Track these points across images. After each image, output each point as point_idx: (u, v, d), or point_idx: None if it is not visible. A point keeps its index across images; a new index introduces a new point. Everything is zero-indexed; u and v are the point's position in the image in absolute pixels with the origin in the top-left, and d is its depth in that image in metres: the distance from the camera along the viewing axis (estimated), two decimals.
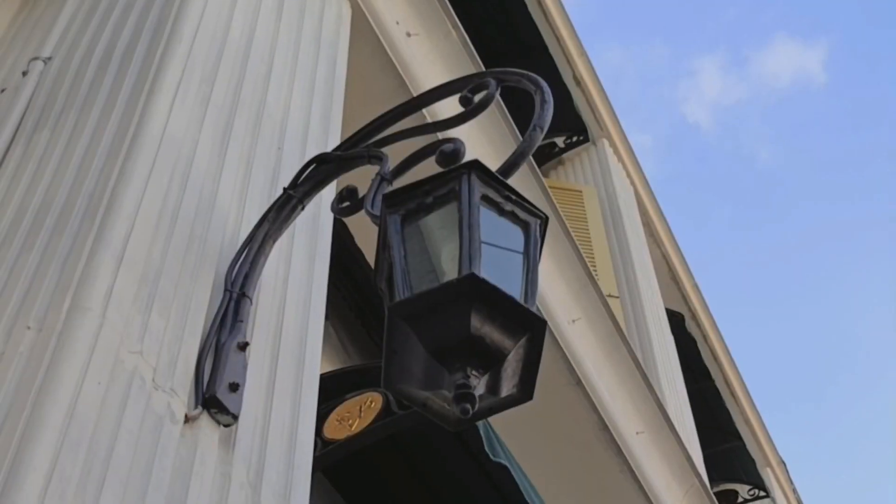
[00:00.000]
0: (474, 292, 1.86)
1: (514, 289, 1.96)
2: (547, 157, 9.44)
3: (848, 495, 29.77)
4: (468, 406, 1.82)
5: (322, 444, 3.69)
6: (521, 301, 1.93)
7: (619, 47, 33.59)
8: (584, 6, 29.01)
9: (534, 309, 1.94)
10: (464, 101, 2.55)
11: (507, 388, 1.93)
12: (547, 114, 2.39)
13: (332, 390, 3.81)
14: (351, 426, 3.74)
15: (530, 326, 1.91)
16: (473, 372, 1.85)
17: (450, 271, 1.95)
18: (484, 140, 5.07)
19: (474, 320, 1.85)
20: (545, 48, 8.65)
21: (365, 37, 4.44)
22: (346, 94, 3.98)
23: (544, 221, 2.14)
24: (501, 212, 2.09)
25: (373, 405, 3.75)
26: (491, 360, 1.88)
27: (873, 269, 31.33)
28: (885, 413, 30.49)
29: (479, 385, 1.87)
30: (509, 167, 2.28)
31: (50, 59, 3.25)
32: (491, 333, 1.87)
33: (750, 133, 33.88)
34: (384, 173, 2.42)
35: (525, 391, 1.96)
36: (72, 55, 3.20)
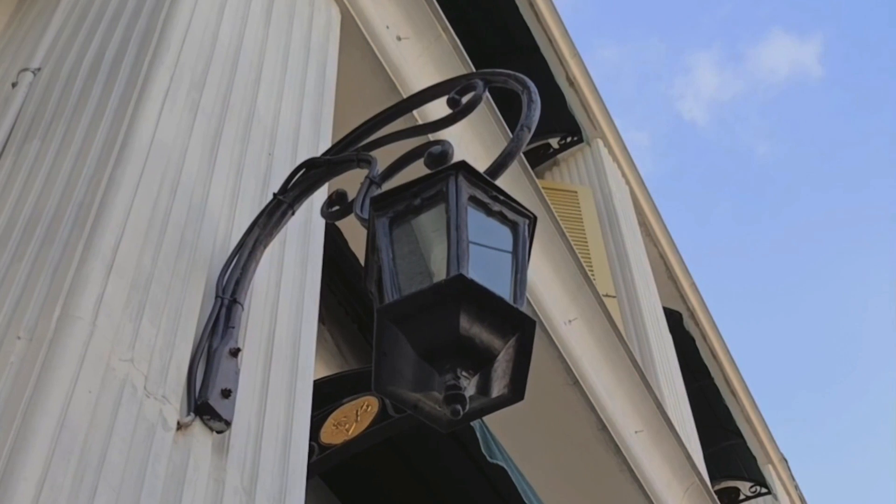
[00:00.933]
0: (462, 293, 1.86)
1: (502, 289, 1.96)
2: (542, 158, 9.45)
3: (850, 489, 29.80)
4: (458, 407, 1.82)
5: (319, 449, 3.68)
6: (510, 301, 1.93)
7: (614, 45, 33.64)
8: (579, 4, 29.04)
9: (523, 308, 1.94)
10: (452, 103, 2.55)
11: (497, 388, 1.93)
12: (534, 113, 2.39)
13: (329, 395, 3.81)
14: (348, 430, 3.73)
15: (520, 326, 1.91)
16: (463, 373, 1.85)
17: (438, 272, 1.95)
18: (476, 141, 5.07)
19: (463, 321, 1.85)
20: (537, 49, 8.66)
21: (355, 41, 4.44)
22: (337, 98, 3.99)
23: (532, 221, 2.14)
24: (489, 212, 2.10)
25: (369, 409, 3.74)
26: (481, 361, 1.88)
27: (872, 260, 31.38)
28: (887, 406, 30.50)
29: (470, 386, 1.87)
30: (497, 168, 2.29)
31: (39, 69, 3.26)
32: (480, 334, 1.87)
33: (747, 128, 33.91)
34: (373, 176, 2.42)
35: (516, 391, 1.96)
36: (61, 65, 3.20)
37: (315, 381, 3.23)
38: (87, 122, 2.80)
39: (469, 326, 1.86)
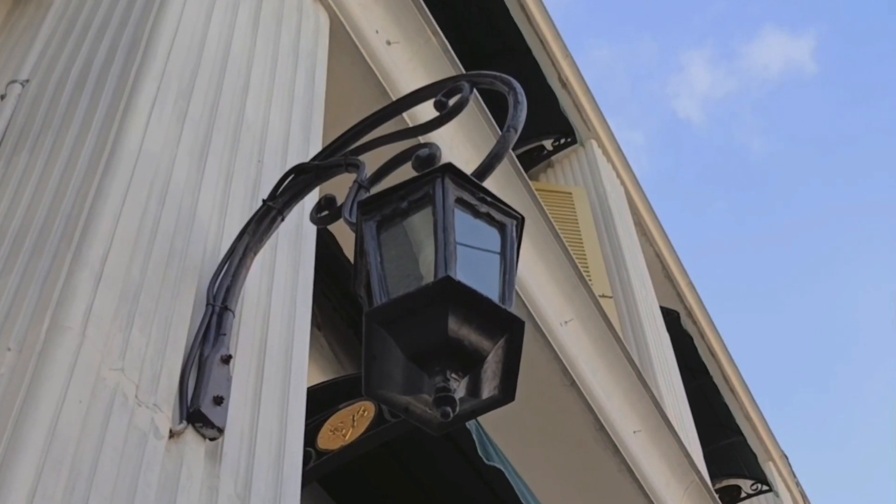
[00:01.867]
0: (450, 295, 1.86)
1: (491, 290, 1.96)
2: (536, 160, 9.45)
3: (851, 483, 29.80)
4: (448, 409, 1.82)
5: (316, 455, 3.68)
6: (499, 302, 1.93)
7: (607, 45, 33.69)
8: (571, 5, 29.08)
9: (512, 309, 1.94)
10: (438, 106, 2.55)
11: (488, 389, 1.93)
12: (520, 114, 2.39)
13: (325, 401, 3.81)
14: (345, 436, 3.73)
15: (508, 327, 1.91)
16: (453, 375, 1.85)
17: (426, 275, 1.95)
18: (467, 144, 5.07)
19: (451, 323, 1.85)
20: (529, 51, 8.66)
21: (344, 46, 4.45)
22: (328, 104, 3.99)
23: (520, 222, 2.14)
24: (477, 214, 2.10)
25: (366, 414, 3.74)
26: (470, 362, 1.88)
27: (870, 255, 31.41)
28: (886, 399, 30.51)
29: (460, 388, 1.87)
30: (485, 169, 2.29)
31: (27, 81, 3.26)
32: (469, 335, 1.87)
33: (742, 125, 33.97)
34: (361, 181, 2.42)
35: (506, 392, 1.96)
36: (48, 77, 3.20)
37: (311, 387, 3.23)
38: (75, 132, 2.80)
39: (458, 328, 1.86)
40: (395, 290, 1.96)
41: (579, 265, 5.99)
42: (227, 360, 2.39)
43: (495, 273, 2.03)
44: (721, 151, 33.51)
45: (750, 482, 10.27)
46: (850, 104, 31.82)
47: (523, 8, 8.70)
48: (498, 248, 2.08)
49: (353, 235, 2.18)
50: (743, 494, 10.33)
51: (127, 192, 2.50)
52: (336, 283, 4.87)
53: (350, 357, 4.91)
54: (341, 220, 2.37)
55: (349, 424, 3.75)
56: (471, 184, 2.13)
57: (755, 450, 10.19)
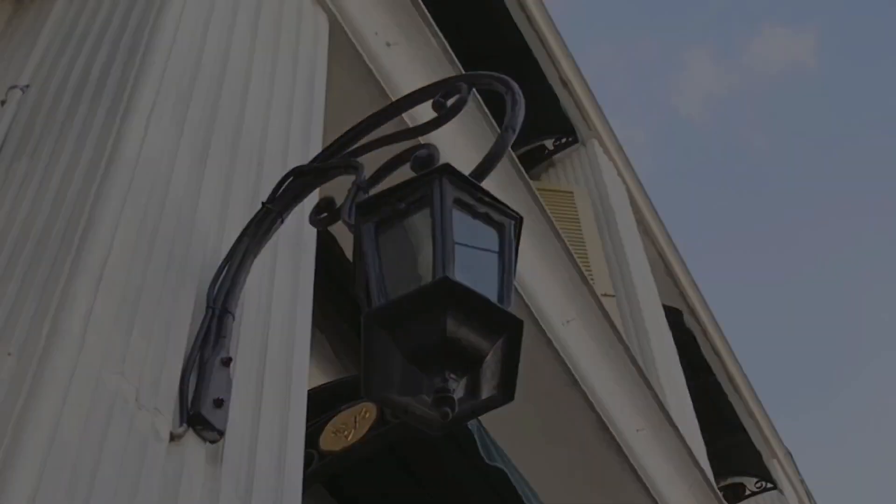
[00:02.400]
0: (448, 295, 1.87)
1: (489, 290, 1.96)
2: (537, 159, 9.45)
3: (854, 480, 29.77)
4: (447, 409, 1.83)
5: (319, 457, 3.68)
6: (497, 302, 1.94)
7: (607, 43, 33.70)
8: (571, 4, 29.08)
9: (510, 309, 1.95)
10: (437, 107, 2.56)
11: (487, 389, 1.94)
12: (518, 114, 2.40)
13: (327, 402, 3.81)
14: (347, 437, 3.73)
15: (507, 327, 1.92)
16: (452, 375, 1.86)
17: (425, 276, 1.96)
18: (468, 144, 5.07)
19: (450, 323, 1.86)
20: (529, 51, 8.67)
21: (344, 49, 4.45)
22: (329, 106, 3.99)
23: (518, 222, 2.15)
24: (475, 214, 2.10)
25: (367, 415, 3.74)
26: (469, 363, 1.88)
27: (872, 253, 31.37)
28: (889, 397, 30.50)
29: (459, 388, 1.88)
30: (483, 170, 2.29)
31: (27, 87, 3.26)
32: (467, 336, 1.88)
33: (743, 122, 33.95)
34: (359, 182, 2.42)
35: (505, 392, 1.96)
36: (49, 82, 3.20)
37: (313, 389, 3.23)
38: (74, 138, 2.80)
39: (456, 328, 1.86)
40: (394, 291, 1.97)
41: (581, 264, 5.99)
42: (227, 362, 2.40)
43: (494, 273, 2.03)
44: (723, 149, 33.49)
45: (754, 480, 10.26)
46: (853, 99, 31.79)
47: (523, 8, 8.70)
48: (496, 248, 2.08)
49: (352, 237, 2.18)
50: (747, 492, 10.32)
51: (126, 196, 2.51)
52: (337, 285, 4.87)
53: (352, 358, 4.91)
54: (341, 222, 2.38)
55: (351, 426, 3.74)
56: (469, 184, 2.14)
57: (759, 448, 10.18)
